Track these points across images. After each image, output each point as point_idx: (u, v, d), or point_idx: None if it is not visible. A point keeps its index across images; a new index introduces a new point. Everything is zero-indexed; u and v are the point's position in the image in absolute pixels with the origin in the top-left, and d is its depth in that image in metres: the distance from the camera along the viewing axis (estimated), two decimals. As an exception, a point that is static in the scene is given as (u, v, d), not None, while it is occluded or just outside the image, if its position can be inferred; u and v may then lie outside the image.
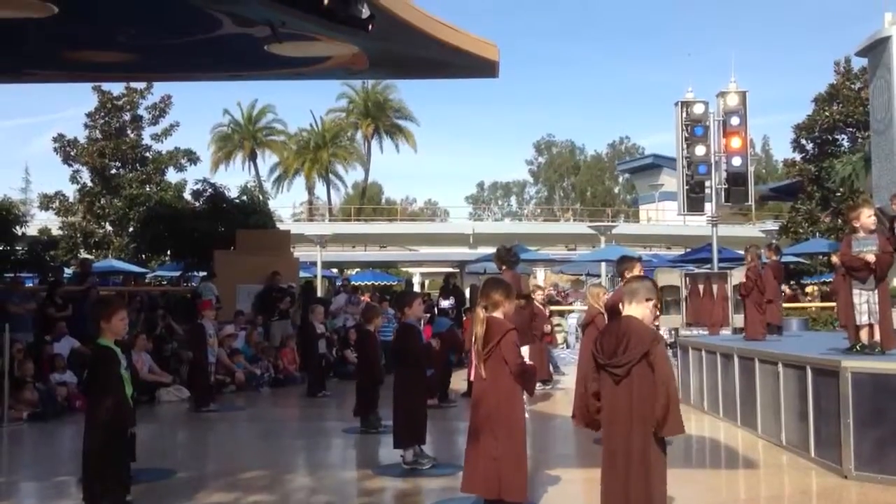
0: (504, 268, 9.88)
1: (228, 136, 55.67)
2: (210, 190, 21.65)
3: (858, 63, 26.27)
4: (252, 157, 55.81)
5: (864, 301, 7.38)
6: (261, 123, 56.14)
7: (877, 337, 7.32)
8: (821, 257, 25.24)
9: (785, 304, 15.77)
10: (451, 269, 33.17)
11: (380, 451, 8.14)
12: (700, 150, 14.02)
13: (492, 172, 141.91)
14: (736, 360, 9.20)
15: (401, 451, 7.14)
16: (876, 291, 7.35)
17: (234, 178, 55.94)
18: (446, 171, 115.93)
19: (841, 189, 27.56)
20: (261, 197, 24.09)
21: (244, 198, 22.14)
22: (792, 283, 26.90)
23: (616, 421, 4.50)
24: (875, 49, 13.29)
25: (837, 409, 6.64)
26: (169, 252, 22.73)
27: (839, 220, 24.92)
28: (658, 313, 4.77)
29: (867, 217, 7.44)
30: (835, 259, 8.72)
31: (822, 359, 7.18)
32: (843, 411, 6.55)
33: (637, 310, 4.59)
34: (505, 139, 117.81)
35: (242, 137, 55.15)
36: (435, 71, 12.84)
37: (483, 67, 11.13)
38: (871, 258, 7.26)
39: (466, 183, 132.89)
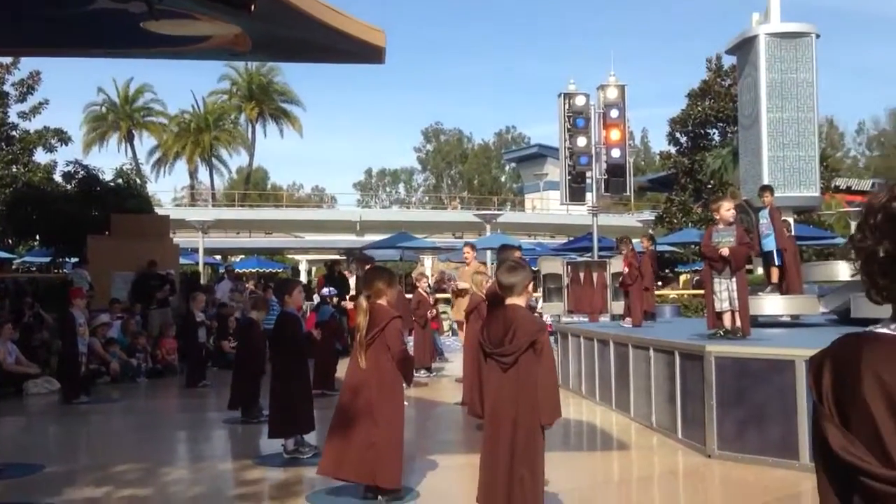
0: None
1: (103, 115, 53.09)
2: (82, 172, 20.68)
3: (729, 60, 27.59)
4: (129, 138, 53.46)
5: (724, 289, 7.84)
6: (138, 103, 53.79)
7: (738, 323, 7.76)
8: (693, 246, 26.45)
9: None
10: (337, 257, 32.92)
11: (261, 442, 8.00)
12: (581, 142, 14.38)
13: (380, 159, 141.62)
14: (612, 345, 9.54)
15: (280, 440, 7.06)
16: (734, 280, 7.80)
17: (109, 161, 53.06)
18: (334, 157, 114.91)
19: (712, 181, 28.94)
20: (138, 180, 23.12)
21: (120, 181, 21.29)
22: (667, 270, 28.12)
23: (502, 408, 4.57)
24: (743, 48, 13.98)
25: (702, 391, 6.99)
26: (38, 237, 21.61)
27: (709, 211, 26.17)
28: (530, 290, 4.90)
29: (726, 210, 7.89)
30: (703, 249, 9.16)
31: (689, 344, 7.54)
32: (707, 394, 6.90)
33: (520, 300, 4.70)
34: (393, 126, 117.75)
35: (118, 118, 52.68)
36: (320, 55, 12.67)
37: (369, 53, 11.04)
38: (724, 252, 7.70)
39: (354, 169, 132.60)
